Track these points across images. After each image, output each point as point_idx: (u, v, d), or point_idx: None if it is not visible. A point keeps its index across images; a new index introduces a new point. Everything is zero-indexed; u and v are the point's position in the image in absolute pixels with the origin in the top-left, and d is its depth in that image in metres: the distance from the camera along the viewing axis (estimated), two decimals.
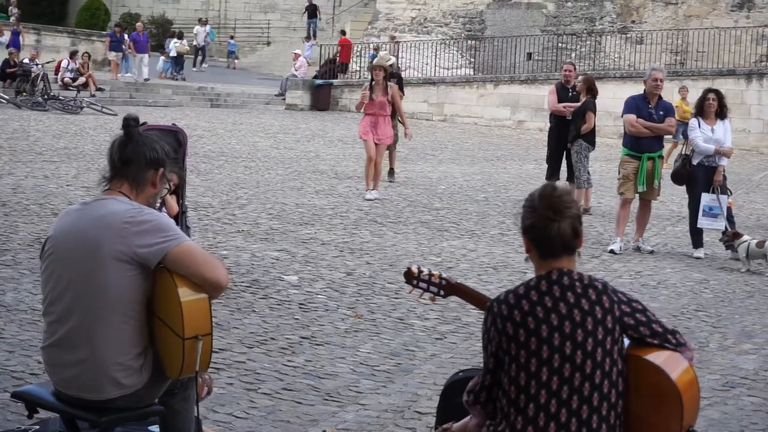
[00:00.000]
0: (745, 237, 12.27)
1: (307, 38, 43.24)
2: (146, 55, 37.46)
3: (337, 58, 40.09)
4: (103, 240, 4.40)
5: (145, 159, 4.58)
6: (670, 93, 23.26)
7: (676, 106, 24.28)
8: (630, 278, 11.28)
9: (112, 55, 37.32)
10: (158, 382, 4.56)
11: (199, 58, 45.38)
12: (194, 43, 45.41)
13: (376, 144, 16.39)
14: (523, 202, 4.04)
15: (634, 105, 13.01)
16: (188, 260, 4.40)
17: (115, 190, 4.59)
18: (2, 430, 5.65)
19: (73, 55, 34.45)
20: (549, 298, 3.90)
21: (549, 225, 3.92)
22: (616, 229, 13.19)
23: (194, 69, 43.77)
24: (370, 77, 17.02)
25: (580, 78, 16.56)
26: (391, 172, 18.74)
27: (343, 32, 43.06)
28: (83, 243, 4.45)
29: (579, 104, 16.09)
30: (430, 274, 5.02)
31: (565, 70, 17.19)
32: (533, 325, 3.87)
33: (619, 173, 13.20)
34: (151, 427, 5.21)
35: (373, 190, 16.28)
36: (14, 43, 35.11)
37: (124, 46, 37.10)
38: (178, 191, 9.00)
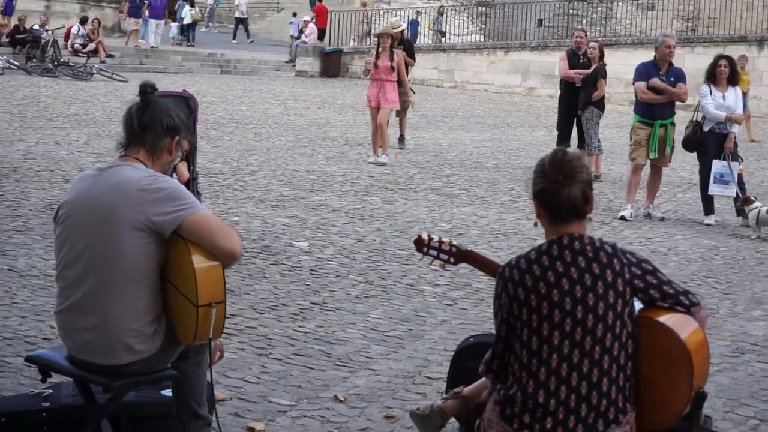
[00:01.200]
0: (756, 203, 12.24)
1: (294, 15, 43.41)
2: (162, 22, 37.25)
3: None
4: (119, 207, 4.40)
5: (162, 126, 4.58)
6: (681, 59, 23.17)
7: None
8: (640, 245, 11.28)
9: (131, 22, 36.98)
10: (171, 347, 4.58)
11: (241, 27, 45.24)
12: (236, 14, 45.33)
13: (379, 108, 16.47)
14: (534, 167, 4.05)
15: (645, 72, 12.98)
16: (203, 229, 4.39)
17: (132, 156, 4.58)
18: (16, 394, 5.69)
19: (83, 21, 34.38)
20: (560, 262, 3.91)
21: (559, 189, 3.93)
22: (626, 196, 13.18)
23: (234, 41, 43.80)
24: (377, 44, 17.13)
25: (593, 44, 16.49)
26: (402, 138, 18.75)
27: None
28: (99, 209, 4.45)
29: (589, 71, 16.05)
30: (440, 242, 5.05)
31: (577, 37, 17.14)
32: (544, 289, 3.88)
33: (630, 139, 13.16)
34: (163, 391, 5.25)
35: (382, 155, 16.36)
36: (8, 8, 34.98)
37: (142, 12, 36.85)
38: (189, 157, 9.00)
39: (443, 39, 38.04)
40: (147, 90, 4.62)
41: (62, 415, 5.09)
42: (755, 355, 7.57)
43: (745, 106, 24.00)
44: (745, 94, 24.26)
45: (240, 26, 45.05)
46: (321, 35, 40.51)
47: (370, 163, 16.21)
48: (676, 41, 13.46)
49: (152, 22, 36.32)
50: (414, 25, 38.20)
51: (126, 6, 37.80)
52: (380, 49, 16.75)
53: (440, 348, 7.32)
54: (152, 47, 36.22)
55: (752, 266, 10.67)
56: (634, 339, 3.97)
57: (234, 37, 44.70)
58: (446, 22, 38.19)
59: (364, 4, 40.12)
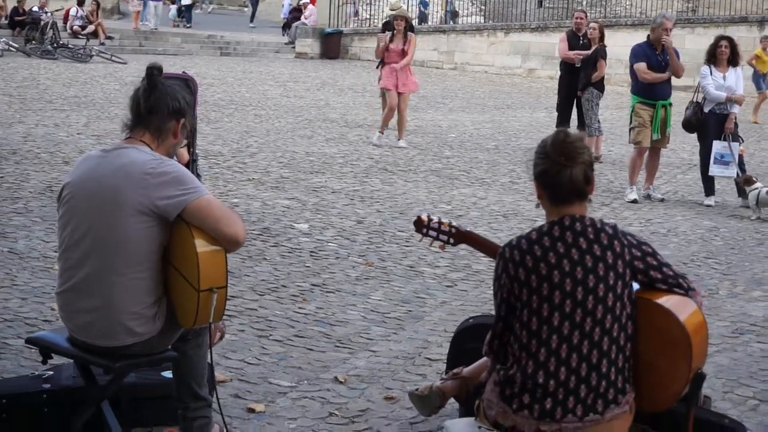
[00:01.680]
0: (757, 184, 12.23)
1: None
2: (160, 3, 36.94)
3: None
4: (123, 190, 4.40)
5: (168, 109, 4.56)
6: (681, 40, 23.12)
7: (757, 56, 24.21)
8: (640, 225, 11.29)
9: (135, 4, 36.42)
10: (172, 329, 4.59)
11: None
12: None
13: (399, 93, 16.51)
14: (535, 148, 4.05)
15: (642, 53, 12.91)
16: (207, 214, 4.39)
17: (137, 138, 4.57)
18: (17, 375, 5.70)
19: (81, 2, 34.27)
20: (561, 243, 3.91)
21: (561, 171, 3.93)
22: (630, 178, 13.08)
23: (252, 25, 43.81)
24: (391, 26, 17.06)
25: (593, 25, 16.45)
26: None
27: None
28: (103, 191, 4.44)
29: (589, 52, 16.02)
30: (440, 222, 5.05)
31: (577, 18, 17.09)
32: (545, 270, 3.89)
33: (631, 122, 13.06)
34: (164, 373, 5.27)
35: (400, 140, 16.46)
36: None
37: None
38: (189, 139, 9.02)
39: (457, 20, 37.90)
40: (154, 72, 4.59)
41: (63, 397, 5.12)
42: (755, 335, 7.58)
43: (760, 87, 24.01)
44: (765, 75, 24.26)
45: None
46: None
47: (374, 144, 16.19)
48: (674, 23, 13.38)
49: (151, 4, 35.98)
50: (424, 6, 38.12)
51: None
52: (395, 32, 16.68)
53: (440, 329, 7.33)
54: (153, 29, 36.01)
55: (752, 247, 10.67)
56: (634, 320, 3.98)
57: (252, 21, 44.48)
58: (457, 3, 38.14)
59: None
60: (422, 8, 38.30)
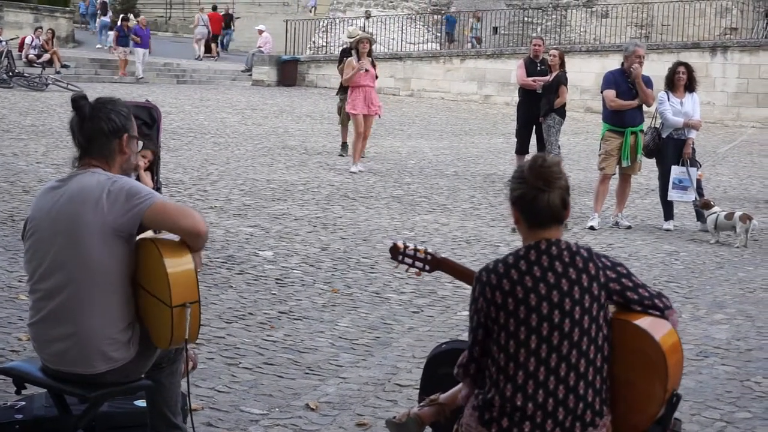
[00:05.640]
0: (715, 208, 12.38)
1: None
2: (147, 51, 34.75)
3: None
4: (83, 215, 4.43)
5: (104, 132, 4.60)
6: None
7: None
8: (601, 250, 11.34)
9: (120, 51, 34.57)
10: (146, 356, 4.59)
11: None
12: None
13: (366, 116, 16.76)
14: (513, 173, 4.09)
15: (612, 80, 13.00)
16: (164, 215, 4.43)
17: (89, 164, 4.62)
18: None
19: (36, 31, 34.03)
20: (538, 267, 3.95)
21: (538, 195, 3.97)
22: (594, 205, 13.18)
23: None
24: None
25: (553, 52, 16.57)
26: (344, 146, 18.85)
27: (214, 7, 45.30)
28: (64, 220, 4.47)
29: (549, 78, 16.14)
30: (416, 249, 5.09)
31: (535, 45, 17.19)
32: (522, 294, 3.92)
33: (600, 148, 13.17)
34: (137, 402, 5.25)
35: (359, 163, 16.68)
36: None
37: (131, 41, 34.60)
38: (153, 167, 9.03)
39: (479, 45, 38.08)
40: (79, 103, 4.63)
41: (36, 427, 5.09)
42: (719, 358, 7.66)
43: None
44: None
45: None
46: (215, 39, 44.29)
47: (353, 172, 16.29)
48: (645, 50, 13.49)
49: (139, 51, 34.16)
50: (450, 23, 38.45)
51: (114, 35, 36.39)
52: (360, 54, 16.86)
53: (408, 355, 7.35)
54: (140, 78, 33.98)
55: (712, 270, 10.79)
56: (610, 342, 4.02)
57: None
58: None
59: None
60: (448, 28, 38.74)
